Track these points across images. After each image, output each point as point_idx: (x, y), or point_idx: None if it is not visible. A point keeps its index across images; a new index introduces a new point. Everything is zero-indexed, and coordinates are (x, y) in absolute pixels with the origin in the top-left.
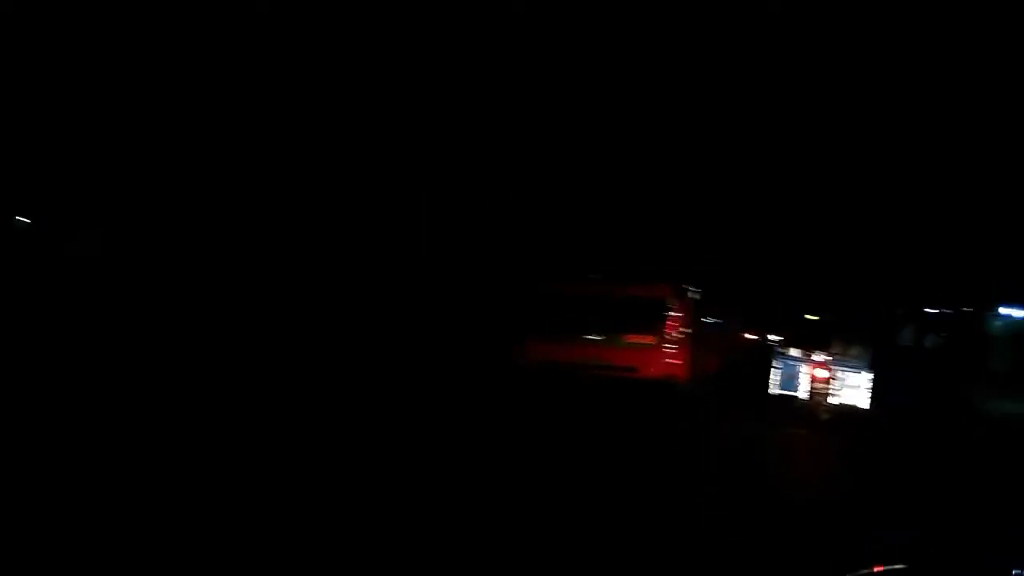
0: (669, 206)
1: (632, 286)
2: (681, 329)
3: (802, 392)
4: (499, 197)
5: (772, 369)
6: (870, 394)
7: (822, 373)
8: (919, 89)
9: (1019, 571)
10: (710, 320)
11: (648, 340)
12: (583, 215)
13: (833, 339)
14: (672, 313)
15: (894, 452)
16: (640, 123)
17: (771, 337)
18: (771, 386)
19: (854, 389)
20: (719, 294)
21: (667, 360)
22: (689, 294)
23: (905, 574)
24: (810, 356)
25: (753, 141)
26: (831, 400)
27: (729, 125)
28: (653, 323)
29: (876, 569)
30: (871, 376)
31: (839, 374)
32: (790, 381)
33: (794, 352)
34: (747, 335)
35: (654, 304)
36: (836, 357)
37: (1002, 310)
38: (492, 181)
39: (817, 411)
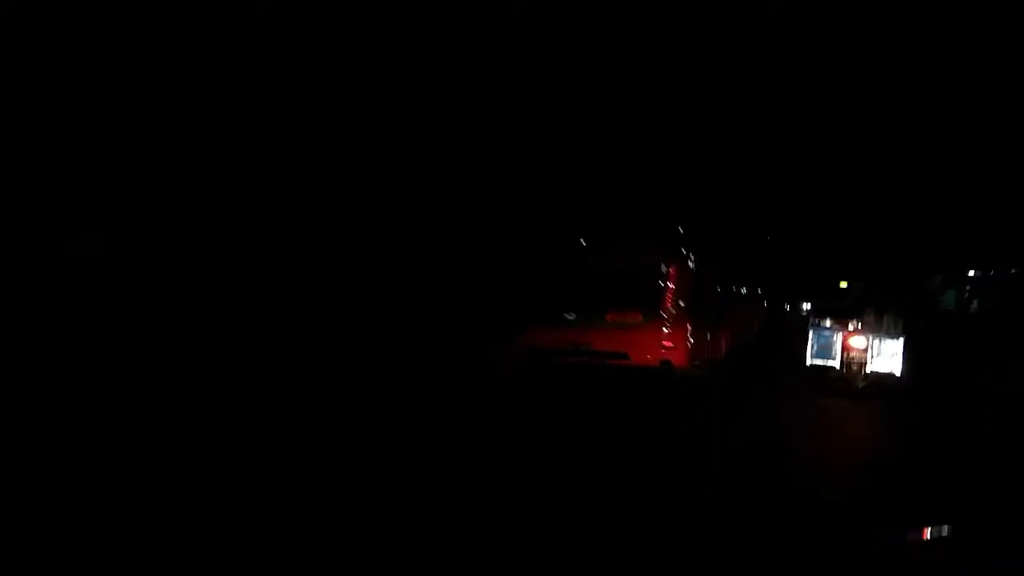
0: (675, 163)
1: (616, 254)
2: (679, 302)
3: (837, 362)
4: (490, 177)
5: (807, 339)
6: (906, 363)
7: (857, 342)
8: (954, 48)
9: None
10: (725, 291)
11: (636, 318)
12: (578, 180)
13: (868, 306)
14: (666, 283)
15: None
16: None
17: (805, 306)
18: (807, 357)
19: (890, 357)
20: (738, 261)
21: (662, 342)
22: (690, 260)
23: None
24: (845, 325)
25: (780, 92)
26: (867, 369)
27: (755, 79)
28: (642, 296)
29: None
30: (908, 344)
31: (875, 342)
32: (825, 351)
33: (828, 321)
34: (775, 305)
35: (642, 273)
36: (871, 325)
37: None
38: (482, 158)
39: (853, 381)
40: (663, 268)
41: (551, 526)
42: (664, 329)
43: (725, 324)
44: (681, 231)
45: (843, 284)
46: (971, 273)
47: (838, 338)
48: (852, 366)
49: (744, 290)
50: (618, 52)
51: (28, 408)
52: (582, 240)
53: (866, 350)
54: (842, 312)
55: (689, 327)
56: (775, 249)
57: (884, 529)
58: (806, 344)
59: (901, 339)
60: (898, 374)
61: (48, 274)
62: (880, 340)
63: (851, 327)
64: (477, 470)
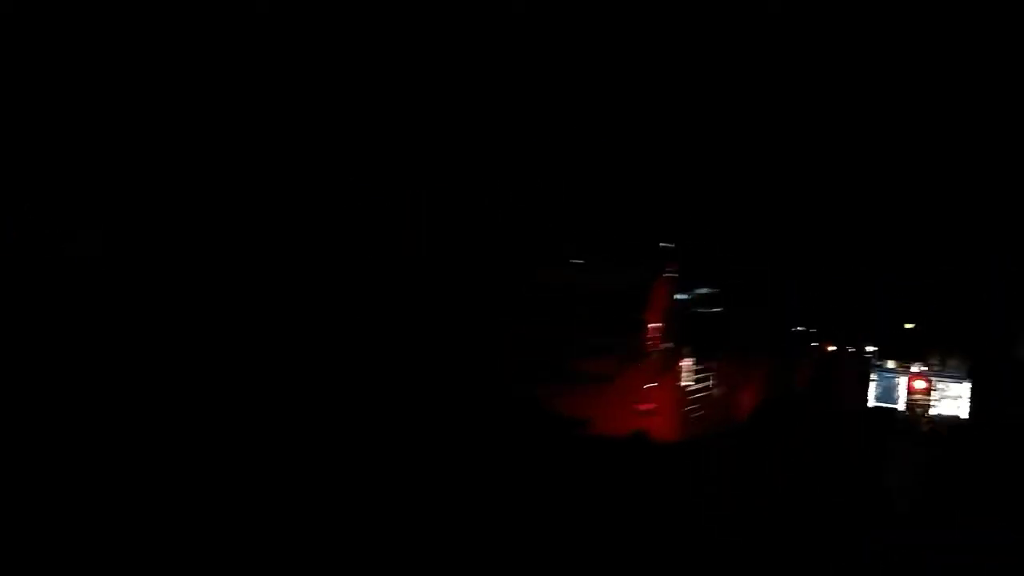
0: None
1: (575, 271)
2: (667, 343)
3: (900, 405)
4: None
5: (869, 382)
6: (972, 406)
7: (921, 384)
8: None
9: None
10: (756, 328)
11: (605, 369)
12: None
13: (931, 348)
14: (650, 317)
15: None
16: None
17: (868, 348)
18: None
19: (954, 400)
20: (781, 293)
21: (636, 403)
22: (683, 282)
23: None
24: (908, 367)
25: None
26: (931, 412)
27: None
28: (614, 334)
29: None
30: (975, 386)
31: (939, 385)
32: (888, 393)
33: (891, 363)
34: (833, 347)
35: (618, 301)
36: (935, 367)
37: None
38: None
39: (917, 423)
40: (644, 292)
41: (550, 525)
42: (639, 384)
43: (752, 373)
44: (672, 246)
45: (908, 325)
46: None
47: (902, 381)
48: (916, 409)
49: (796, 328)
50: (618, 48)
51: (29, 408)
52: (532, 249)
53: (930, 392)
54: (906, 354)
55: (681, 380)
56: (836, 285)
57: (884, 529)
58: (868, 387)
59: (967, 382)
60: (963, 416)
61: (48, 274)
62: (945, 382)
63: (915, 369)
64: (474, 468)
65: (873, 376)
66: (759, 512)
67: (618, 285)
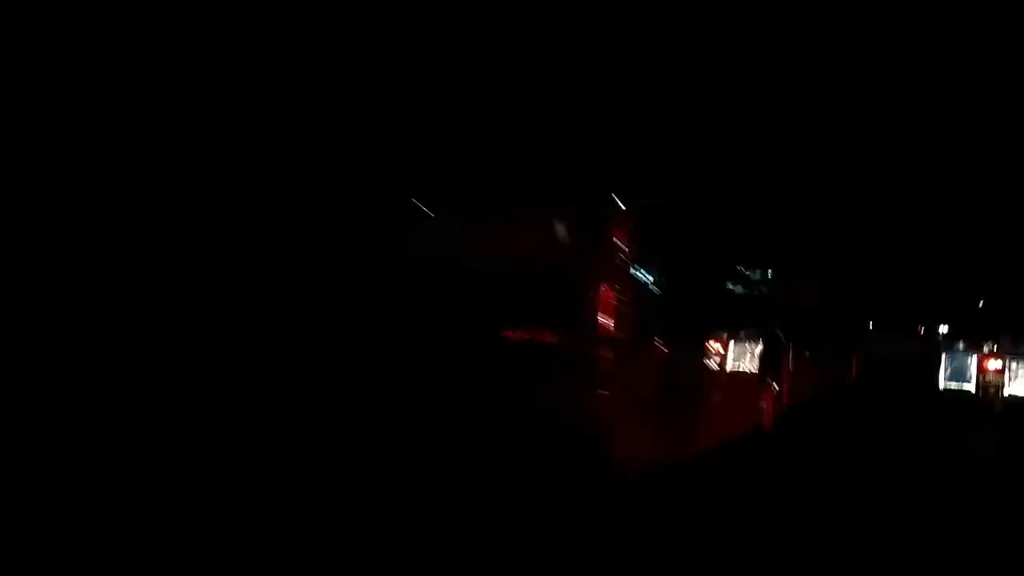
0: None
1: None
2: (619, 336)
3: (972, 385)
4: None
5: (939, 363)
6: None
7: (994, 364)
8: None
9: None
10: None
11: (525, 379)
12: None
13: (1005, 326)
14: (591, 300)
15: None
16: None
17: (940, 329)
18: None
19: None
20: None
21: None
22: (645, 247)
23: None
24: (980, 346)
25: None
26: (1004, 392)
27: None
28: (537, 330)
29: None
30: None
31: (1013, 364)
32: (959, 373)
33: (962, 343)
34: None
35: (539, 278)
36: (1008, 346)
37: None
38: None
39: (990, 404)
40: (583, 265)
41: (547, 524)
42: (606, 405)
43: (777, 369)
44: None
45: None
46: None
47: (973, 360)
48: (988, 389)
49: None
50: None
51: (29, 408)
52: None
53: (1003, 372)
54: (978, 333)
55: (648, 388)
56: (900, 262)
57: (884, 529)
58: (939, 368)
59: None
60: None
61: (48, 275)
62: (1018, 362)
63: (987, 349)
64: (471, 466)
65: (944, 356)
66: (759, 512)
67: (540, 254)
